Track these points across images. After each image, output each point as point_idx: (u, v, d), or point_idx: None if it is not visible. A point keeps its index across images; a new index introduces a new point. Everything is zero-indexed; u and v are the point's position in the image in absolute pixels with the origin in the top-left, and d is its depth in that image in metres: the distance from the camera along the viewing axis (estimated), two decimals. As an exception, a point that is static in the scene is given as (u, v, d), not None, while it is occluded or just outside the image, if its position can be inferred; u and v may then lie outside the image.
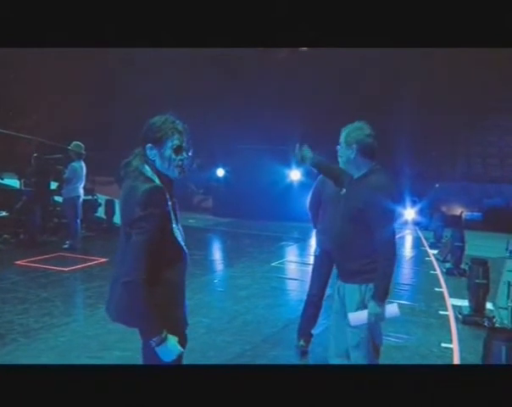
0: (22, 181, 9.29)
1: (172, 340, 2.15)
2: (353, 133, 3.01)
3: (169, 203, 2.23)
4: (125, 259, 2.13)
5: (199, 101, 15.12)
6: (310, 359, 4.43)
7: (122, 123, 14.46)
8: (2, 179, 10.14)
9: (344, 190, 3.16)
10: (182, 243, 2.28)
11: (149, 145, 2.23)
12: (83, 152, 8.34)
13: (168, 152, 2.22)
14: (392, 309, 2.96)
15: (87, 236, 9.76)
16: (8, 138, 11.11)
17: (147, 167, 2.22)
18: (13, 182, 9.94)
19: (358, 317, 2.89)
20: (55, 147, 9.91)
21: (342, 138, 3.06)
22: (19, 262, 7.38)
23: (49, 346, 4.44)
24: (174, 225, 2.24)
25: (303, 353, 4.51)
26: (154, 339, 2.10)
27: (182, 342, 2.24)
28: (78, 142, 8.36)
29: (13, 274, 6.81)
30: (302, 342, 4.54)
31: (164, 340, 2.11)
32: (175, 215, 2.28)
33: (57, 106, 16.16)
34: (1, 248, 8.49)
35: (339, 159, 3.12)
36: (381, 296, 2.86)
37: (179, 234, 2.27)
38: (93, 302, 5.74)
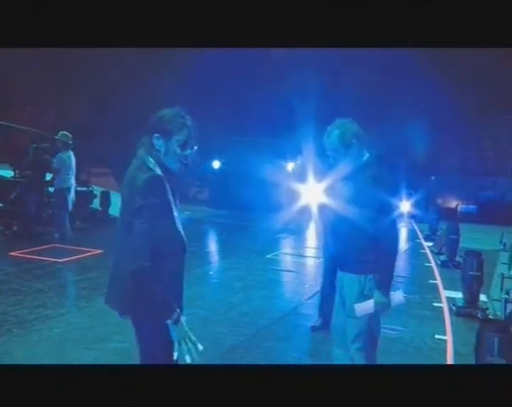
0: (16, 171, 9.22)
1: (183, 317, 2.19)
2: (346, 131, 2.95)
3: (170, 192, 2.24)
4: (127, 249, 2.14)
5: (195, 92, 15.06)
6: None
7: (119, 116, 14.40)
8: (-5, 170, 10.06)
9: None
10: (183, 233, 2.29)
11: (156, 135, 2.24)
12: (70, 142, 8.24)
13: (173, 146, 2.24)
14: (396, 296, 3.00)
15: (82, 227, 9.73)
16: (2, 129, 11.02)
17: (150, 158, 2.23)
18: (7, 173, 9.86)
19: (364, 307, 2.91)
20: (51, 138, 9.81)
21: (334, 144, 2.96)
22: (13, 253, 7.35)
23: (43, 337, 4.42)
24: (176, 215, 2.26)
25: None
26: (169, 320, 2.12)
27: None
28: (65, 132, 8.26)
29: (7, 265, 6.78)
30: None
31: (178, 318, 2.15)
32: (176, 205, 2.29)
33: (54, 98, 16.05)
34: (-5, 239, 8.46)
35: (333, 162, 3.01)
36: (386, 285, 2.90)
37: (180, 224, 2.29)
38: (88, 293, 5.72)
